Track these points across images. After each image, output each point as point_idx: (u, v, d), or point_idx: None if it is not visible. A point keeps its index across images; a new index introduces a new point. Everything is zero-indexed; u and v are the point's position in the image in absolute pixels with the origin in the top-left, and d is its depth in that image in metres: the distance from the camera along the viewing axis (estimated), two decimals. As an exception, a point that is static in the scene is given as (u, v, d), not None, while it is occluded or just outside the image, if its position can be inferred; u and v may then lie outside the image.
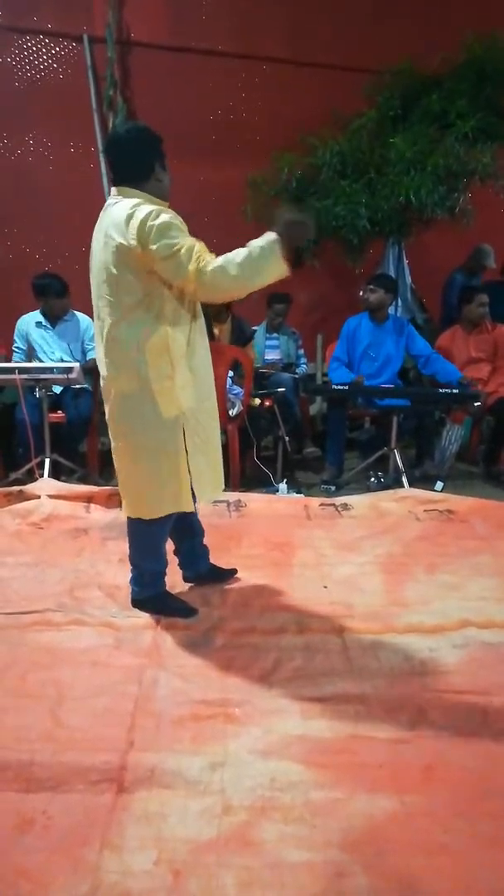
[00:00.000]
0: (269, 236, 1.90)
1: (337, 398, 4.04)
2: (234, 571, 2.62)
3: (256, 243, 1.90)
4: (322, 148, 4.51)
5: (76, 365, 3.60)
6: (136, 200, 1.95)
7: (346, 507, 3.44)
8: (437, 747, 1.66)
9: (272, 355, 4.84)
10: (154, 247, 1.87)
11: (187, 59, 5.31)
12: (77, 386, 3.91)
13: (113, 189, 2.07)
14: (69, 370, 3.55)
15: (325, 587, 2.56)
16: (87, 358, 4.18)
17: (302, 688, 1.90)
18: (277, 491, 3.76)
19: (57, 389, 3.97)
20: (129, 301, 1.97)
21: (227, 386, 3.87)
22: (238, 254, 1.89)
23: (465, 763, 1.60)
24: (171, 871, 1.29)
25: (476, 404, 3.90)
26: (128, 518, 2.24)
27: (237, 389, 3.97)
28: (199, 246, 1.90)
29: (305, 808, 1.45)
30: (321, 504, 3.46)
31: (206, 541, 2.52)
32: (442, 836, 1.39)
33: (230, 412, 3.87)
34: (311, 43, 5.37)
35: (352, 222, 4.46)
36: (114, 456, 2.22)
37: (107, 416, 2.18)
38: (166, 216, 1.90)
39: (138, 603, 2.35)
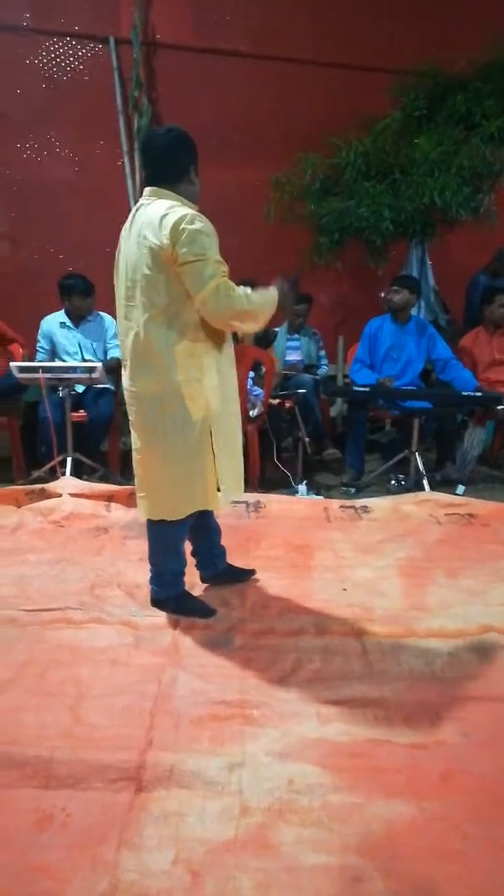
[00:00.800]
0: (272, 292, 2.09)
1: (358, 400, 4.03)
2: (252, 572, 2.62)
3: (263, 291, 2.07)
4: (346, 149, 4.50)
5: (99, 365, 3.63)
6: (171, 202, 1.98)
7: (366, 509, 3.42)
8: (455, 753, 1.65)
9: (293, 356, 4.84)
10: (182, 250, 1.89)
11: (211, 60, 5.33)
12: (99, 386, 3.94)
13: (146, 189, 2.09)
14: (92, 370, 3.58)
15: (345, 590, 2.55)
16: (109, 356, 4.21)
17: (320, 690, 1.89)
18: (297, 492, 3.75)
19: (79, 389, 4.00)
20: (160, 302, 1.98)
21: (248, 387, 3.88)
22: (250, 292, 2.01)
23: (484, 770, 1.59)
24: (189, 871, 1.29)
25: (499, 407, 3.86)
26: (148, 520, 2.26)
27: (258, 391, 3.97)
28: (225, 271, 1.96)
29: (323, 811, 1.45)
30: (341, 506, 3.45)
31: (225, 542, 2.53)
32: (459, 842, 1.38)
33: (251, 413, 3.87)
34: (336, 44, 5.36)
35: (375, 223, 4.44)
36: (137, 457, 2.22)
37: (131, 417, 2.19)
38: (200, 223, 1.93)
39: (158, 602, 2.36)
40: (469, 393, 3.84)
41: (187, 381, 2.04)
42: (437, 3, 5.27)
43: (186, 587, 2.39)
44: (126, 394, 2.18)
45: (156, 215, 1.94)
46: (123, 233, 2.10)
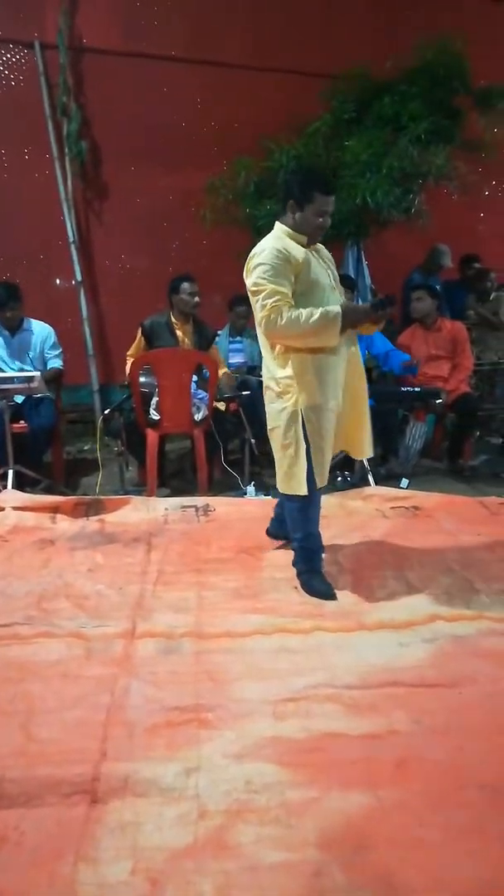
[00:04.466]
0: (335, 309, 2.27)
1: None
2: None
3: (321, 311, 2.24)
4: (279, 151, 4.54)
5: (37, 374, 3.56)
6: (271, 235, 2.34)
7: (313, 507, 3.45)
8: (409, 741, 1.68)
9: (236, 358, 4.84)
10: (248, 281, 2.27)
11: (142, 64, 5.31)
12: (39, 395, 3.86)
13: None
14: (30, 379, 3.50)
15: (296, 588, 2.56)
16: (49, 367, 4.14)
17: (275, 689, 1.90)
18: (245, 494, 3.76)
19: (18, 399, 3.91)
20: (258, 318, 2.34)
21: (192, 390, 3.86)
22: (305, 315, 2.23)
23: (438, 756, 1.62)
24: (149, 879, 1.28)
25: (437, 401, 3.96)
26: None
27: (202, 394, 3.96)
28: (281, 297, 2.23)
29: (281, 808, 1.45)
30: (289, 505, 3.46)
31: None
32: (418, 829, 1.40)
33: (195, 417, 3.86)
34: (268, 48, 5.42)
35: (310, 225, 4.48)
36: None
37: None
38: (267, 256, 2.23)
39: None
40: (409, 388, 3.92)
41: (284, 378, 2.38)
42: (366, 10, 5.39)
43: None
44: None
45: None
46: None
